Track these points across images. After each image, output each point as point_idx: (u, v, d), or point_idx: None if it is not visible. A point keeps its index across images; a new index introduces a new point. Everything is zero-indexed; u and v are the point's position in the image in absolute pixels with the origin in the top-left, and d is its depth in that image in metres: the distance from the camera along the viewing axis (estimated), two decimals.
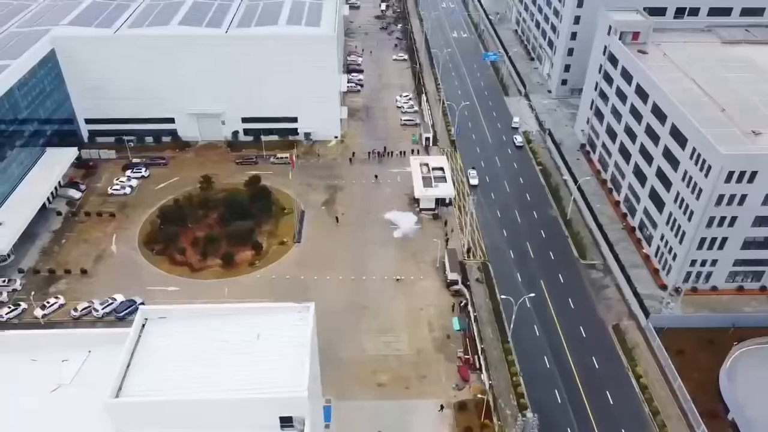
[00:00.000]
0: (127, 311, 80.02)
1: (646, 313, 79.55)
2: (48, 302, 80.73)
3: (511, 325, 77.11)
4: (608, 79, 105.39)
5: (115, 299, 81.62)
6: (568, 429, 67.69)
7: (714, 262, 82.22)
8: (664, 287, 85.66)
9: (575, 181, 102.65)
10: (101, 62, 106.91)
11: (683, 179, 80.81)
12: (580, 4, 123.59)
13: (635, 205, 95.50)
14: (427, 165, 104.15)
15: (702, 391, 70.88)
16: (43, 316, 79.33)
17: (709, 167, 74.77)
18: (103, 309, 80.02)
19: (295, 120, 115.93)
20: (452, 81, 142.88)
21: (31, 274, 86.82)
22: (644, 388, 72.14)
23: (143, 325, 47.53)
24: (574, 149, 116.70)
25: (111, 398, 41.04)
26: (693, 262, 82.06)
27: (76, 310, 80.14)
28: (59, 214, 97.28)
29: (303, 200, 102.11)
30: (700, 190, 76.85)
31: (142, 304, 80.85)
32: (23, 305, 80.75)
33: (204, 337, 46.25)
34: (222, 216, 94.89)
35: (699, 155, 76.91)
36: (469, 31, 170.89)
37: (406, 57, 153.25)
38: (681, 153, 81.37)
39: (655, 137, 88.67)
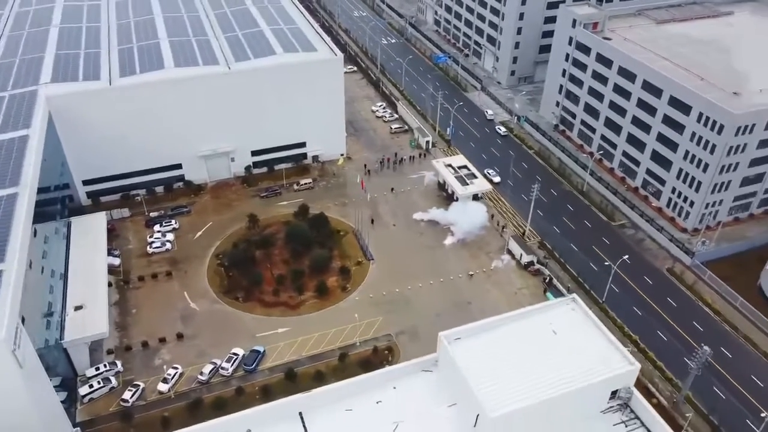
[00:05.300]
0: (256, 363, 78.63)
1: (689, 254, 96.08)
2: (168, 374, 76.48)
3: (607, 288, 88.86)
4: (579, 66, 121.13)
5: (237, 354, 79.53)
6: (684, 359, 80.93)
7: (720, 202, 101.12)
8: (684, 230, 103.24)
9: (578, 163, 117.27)
10: (100, 117, 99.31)
11: (692, 139, 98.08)
12: (523, 2, 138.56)
13: (634, 168, 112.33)
14: (450, 165, 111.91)
15: (752, 304, 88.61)
16: (170, 389, 75.22)
17: (722, 126, 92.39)
18: (231, 366, 77.76)
19: (303, 145, 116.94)
20: (410, 85, 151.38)
21: (123, 352, 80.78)
22: (717, 312, 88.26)
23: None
24: (549, 130, 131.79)
25: (493, 414, 44.74)
26: (707, 205, 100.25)
27: (202, 374, 77.01)
28: (110, 285, 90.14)
29: (350, 219, 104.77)
30: (714, 146, 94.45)
31: (264, 352, 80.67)
32: (141, 384, 75.66)
33: (510, 344, 51.03)
34: (291, 250, 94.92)
35: (708, 118, 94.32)
36: (395, 37, 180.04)
37: (354, 68, 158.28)
38: (686, 118, 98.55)
39: (650, 109, 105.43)
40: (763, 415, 67.05)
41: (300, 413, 49.21)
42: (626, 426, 49.29)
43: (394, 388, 50.97)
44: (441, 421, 48.35)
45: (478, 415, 46.08)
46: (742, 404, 75.54)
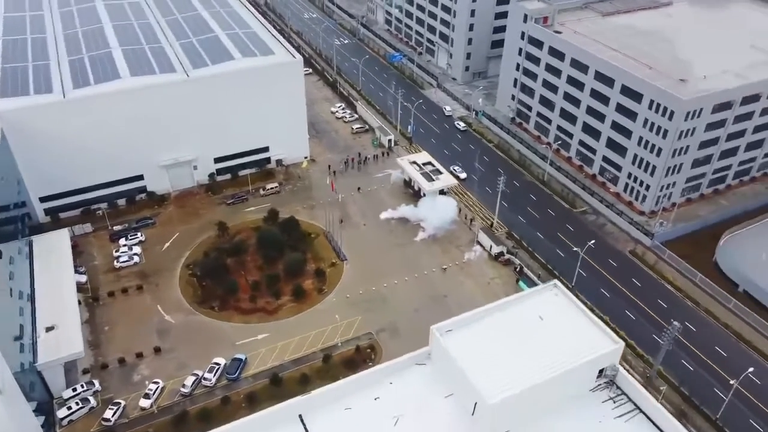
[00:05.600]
0: (238, 371, 77.95)
1: (649, 236, 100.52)
2: (150, 389, 74.99)
3: (576, 273, 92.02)
4: (533, 59, 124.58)
5: (219, 363, 78.64)
6: (653, 335, 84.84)
7: (674, 184, 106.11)
8: (641, 213, 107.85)
9: (537, 154, 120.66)
10: (56, 131, 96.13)
11: (644, 125, 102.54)
12: None
13: (591, 156, 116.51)
14: (415, 162, 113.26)
15: (710, 279, 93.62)
16: (152, 404, 73.76)
17: (672, 112, 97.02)
18: (214, 376, 76.86)
19: (266, 149, 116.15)
20: (367, 85, 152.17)
21: (99, 371, 78.67)
22: (678, 289, 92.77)
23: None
24: (507, 123, 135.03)
25: (491, 401, 46.07)
26: (662, 188, 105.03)
27: (185, 386, 75.78)
28: (79, 303, 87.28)
29: (319, 221, 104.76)
30: (666, 131, 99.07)
31: (246, 360, 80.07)
32: (122, 401, 73.96)
33: (500, 333, 52.55)
34: (264, 255, 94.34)
35: (659, 105, 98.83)
36: (348, 37, 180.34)
37: (310, 70, 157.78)
38: (638, 106, 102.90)
39: (603, 98, 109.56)
40: (732, 382, 71.01)
41: (300, 416, 49.42)
42: (614, 402, 51.60)
43: (391, 383, 51.76)
44: (439, 412, 49.44)
45: (476, 403, 47.39)
46: (709, 374, 79.83)
